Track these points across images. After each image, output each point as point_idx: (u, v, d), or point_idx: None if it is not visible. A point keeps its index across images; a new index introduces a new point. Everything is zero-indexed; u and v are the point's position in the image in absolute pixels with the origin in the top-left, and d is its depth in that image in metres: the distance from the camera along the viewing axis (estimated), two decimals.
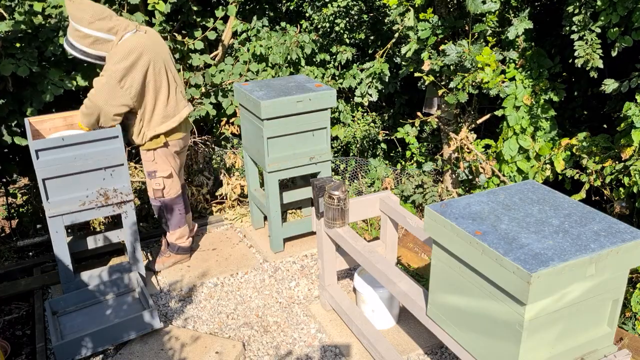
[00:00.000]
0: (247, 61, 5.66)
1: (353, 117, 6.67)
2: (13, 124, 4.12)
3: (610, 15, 3.61)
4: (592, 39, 3.76)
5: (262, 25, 6.43)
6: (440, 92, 4.51)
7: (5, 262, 4.07)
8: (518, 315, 1.90)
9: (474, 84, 4.20)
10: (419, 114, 4.93)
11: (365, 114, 6.79)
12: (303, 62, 5.95)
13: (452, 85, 4.30)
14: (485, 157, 4.73)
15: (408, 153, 5.89)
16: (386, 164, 5.67)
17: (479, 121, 5.16)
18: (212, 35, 5.28)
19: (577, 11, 3.79)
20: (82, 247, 3.79)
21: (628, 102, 3.83)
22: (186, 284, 3.73)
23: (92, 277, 3.58)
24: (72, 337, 3.05)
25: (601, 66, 3.76)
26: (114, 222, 4.45)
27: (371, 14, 6.69)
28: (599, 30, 3.76)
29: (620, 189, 4.02)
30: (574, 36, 3.85)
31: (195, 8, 5.53)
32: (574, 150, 4.32)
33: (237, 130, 5.19)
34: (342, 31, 6.46)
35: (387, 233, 3.37)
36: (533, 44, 4.61)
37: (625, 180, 3.84)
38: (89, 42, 3.21)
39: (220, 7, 5.50)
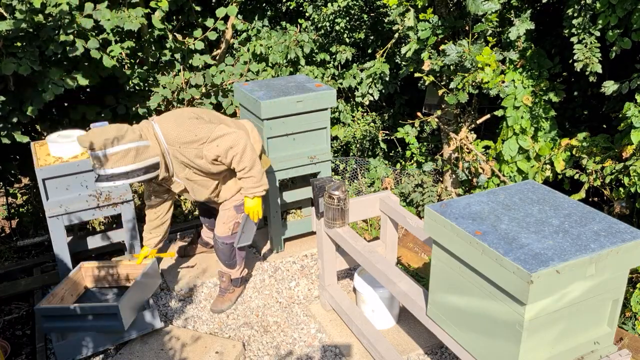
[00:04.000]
0: (247, 61, 5.66)
1: (353, 117, 6.67)
2: (14, 123, 4.12)
3: (609, 17, 3.61)
4: (591, 42, 3.76)
5: (263, 25, 6.44)
6: (440, 92, 4.51)
7: (5, 262, 4.07)
8: (518, 315, 1.90)
9: (474, 84, 4.20)
10: (419, 114, 4.93)
11: (365, 114, 6.79)
12: (303, 62, 5.95)
13: (452, 85, 4.30)
14: (485, 157, 4.73)
15: (408, 153, 5.89)
16: (386, 164, 5.68)
17: (479, 121, 5.16)
18: (212, 36, 5.28)
19: (576, 14, 3.79)
20: (82, 247, 3.80)
21: (628, 102, 3.83)
22: (186, 284, 3.73)
23: None
24: (73, 337, 3.05)
25: (600, 71, 3.76)
26: (114, 222, 4.45)
27: (371, 14, 6.69)
28: (598, 34, 3.76)
29: (620, 189, 4.02)
30: (574, 39, 3.84)
31: (198, 8, 5.53)
32: (573, 151, 4.32)
33: None
34: (342, 31, 6.46)
35: (387, 233, 3.37)
36: (532, 44, 4.61)
37: (625, 180, 3.84)
38: (132, 157, 2.82)
39: (221, 7, 5.51)
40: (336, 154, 6.76)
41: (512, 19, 4.35)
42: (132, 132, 2.85)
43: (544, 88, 4.47)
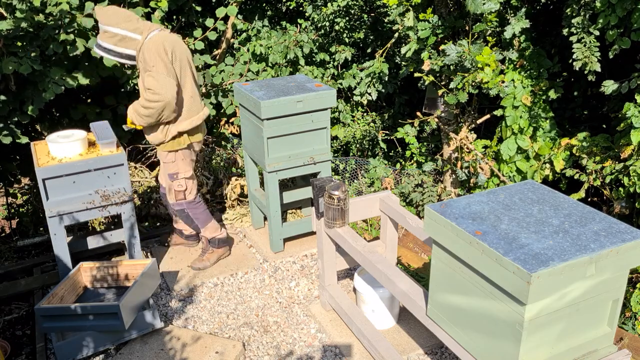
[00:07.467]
0: (247, 61, 5.66)
1: (353, 117, 6.68)
2: (14, 123, 4.12)
3: (609, 17, 3.61)
4: (590, 42, 3.76)
5: (263, 25, 6.44)
6: (440, 92, 4.51)
7: (5, 262, 4.07)
8: (518, 315, 1.90)
9: (474, 84, 4.21)
10: (418, 113, 4.93)
11: (365, 113, 6.80)
12: (302, 62, 5.95)
13: (452, 85, 4.31)
14: (485, 157, 4.73)
15: (408, 153, 5.90)
16: (386, 164, 5.68)
17: (479, 121, 5.16)
18: (212, 36, 5.28)
19: (576, 14, 3.79)
20: (82, 247, 3.79)
21: (628, 102, 3.83)
22: (186, 284, 3.73)
23: None
24: (73, 337, 3.05)
25: (599, 70, 3.76)
26: (114, 222, 4.45)
27: (371, 14, 6.69)
28: (597, 33, 3.76)
29: (620, 189, 4.02)
30: (573, 38, 3.85)
31: (198, 8, 5.53)
32: (573, 151, 4.32)
33: (237, 130, 5.20)
34: (341, 30, 6.47)
35: (387, 233, 3.37)
36: (532, 44, 4.61)
37: (625, 180, 3.84)
38: (116, 40, 3.33)
39: (221, 7, 5.51)
40: (336, 154, 6.76)
41: (510, 18, 4.35)
42: (131, 22, 3.34)
43: (543, 88, 4.48)
